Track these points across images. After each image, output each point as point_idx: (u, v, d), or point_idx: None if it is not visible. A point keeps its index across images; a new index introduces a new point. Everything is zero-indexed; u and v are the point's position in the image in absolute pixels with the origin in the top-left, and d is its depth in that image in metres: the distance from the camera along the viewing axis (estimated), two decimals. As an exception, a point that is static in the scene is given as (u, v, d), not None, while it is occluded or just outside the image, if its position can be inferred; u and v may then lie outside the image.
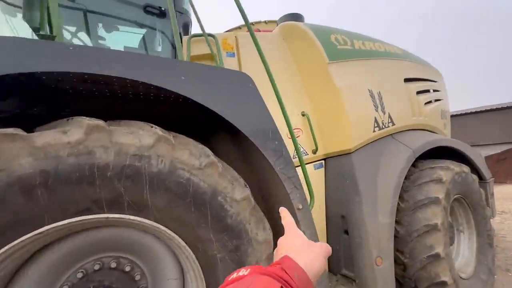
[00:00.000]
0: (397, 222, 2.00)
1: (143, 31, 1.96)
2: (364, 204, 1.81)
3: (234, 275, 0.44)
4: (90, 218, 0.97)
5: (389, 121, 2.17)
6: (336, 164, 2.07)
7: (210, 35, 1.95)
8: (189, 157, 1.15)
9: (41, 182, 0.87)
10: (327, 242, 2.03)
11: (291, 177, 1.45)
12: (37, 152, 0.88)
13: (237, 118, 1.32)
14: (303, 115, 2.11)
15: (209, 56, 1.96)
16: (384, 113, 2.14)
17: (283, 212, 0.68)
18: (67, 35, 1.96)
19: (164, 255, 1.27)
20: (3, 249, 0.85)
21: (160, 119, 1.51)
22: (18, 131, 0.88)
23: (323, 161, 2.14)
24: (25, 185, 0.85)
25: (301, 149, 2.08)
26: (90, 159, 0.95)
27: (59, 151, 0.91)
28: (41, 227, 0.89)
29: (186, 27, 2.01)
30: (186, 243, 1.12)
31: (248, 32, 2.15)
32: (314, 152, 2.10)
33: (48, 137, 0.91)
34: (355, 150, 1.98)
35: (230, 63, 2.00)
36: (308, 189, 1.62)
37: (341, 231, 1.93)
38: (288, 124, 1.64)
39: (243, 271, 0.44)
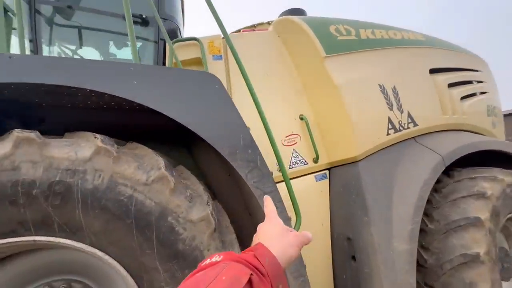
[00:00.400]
0: (424, 248, 1.59)
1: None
2: (374, 225, 1.45)
3: (207, 261, 0.45)
4: (16, 241, 0.87)
5: (409, 121, 1.77)
6: (341, 174, 1.75)
7: (194, 38, 1.84)
8: (134, 171, 1.00)
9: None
10: (333, 269, 1.70)
11: (269, 192, 1.21)
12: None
13: (198, 124, 1.15)
14: (301, 119, 1.84)
15: (197, 61, 1.85)
16: (402, 112, 1.76)
17: (267, 200, 0.73)
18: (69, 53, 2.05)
19: (118, 278, 1.13)
20: None
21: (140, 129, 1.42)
22: None
23: (326, 172, 1.83)
24: None
25: (299, 158, 1.81)
26: (14, 176, 0.86)
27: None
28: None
29: (173, 34, 1.94)
30: (128, 272, 0.95)
31: (239, 34, 2.01)
32: (315, 160, 1.81)
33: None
34: (363, 158, 1.64)
35: (217, 66, 1.86)
36: (293, 206, 1.35)
37: (347, 257, 1.59)
38: (267, 129, 1.41)
39: (216, 258, 0.45)
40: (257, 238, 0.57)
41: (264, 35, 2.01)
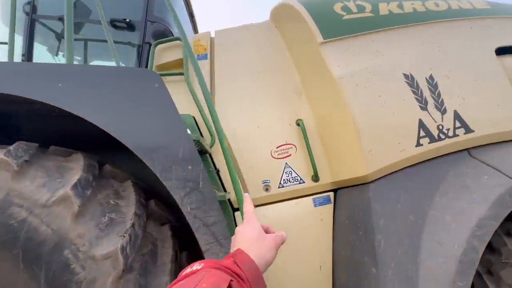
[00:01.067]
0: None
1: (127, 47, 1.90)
2: (387, 282, 0.96)
3: (188, 269, 0.47)
4: None
5: (457, 125, 1.19)
6: (348, 199, 1.28)
7: (176, 39, 1.67)
8: (37, 188, 0.83)
9: None
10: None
11: (211, 224, 0.89)
12: None
13: (125, 132, 0.92)
14: (298, 124, 1.45)
15: (176, 63, 1.67)
16: (444, 112, 1.19)
17: (246, 198, 0.75)
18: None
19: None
20: None
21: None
22: None
23: (330, 194, 1.38)
24: None
25: (293, 174, 1.41)
26: None
27: None
28: None
29: (161, 36, 1.82)
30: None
31: (229, 29, 1.76)
32: (315, 179, 1.38)
33: None
34: (376, 180, 1.15)
35: (201, 66, 1.63)
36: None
37: (351, 322, 1.11)
38: (220, 136, 1.10)
39: (196, 266, 0.46)
40: (236, 242, 0.60)
41: (258, 27, 1.71)
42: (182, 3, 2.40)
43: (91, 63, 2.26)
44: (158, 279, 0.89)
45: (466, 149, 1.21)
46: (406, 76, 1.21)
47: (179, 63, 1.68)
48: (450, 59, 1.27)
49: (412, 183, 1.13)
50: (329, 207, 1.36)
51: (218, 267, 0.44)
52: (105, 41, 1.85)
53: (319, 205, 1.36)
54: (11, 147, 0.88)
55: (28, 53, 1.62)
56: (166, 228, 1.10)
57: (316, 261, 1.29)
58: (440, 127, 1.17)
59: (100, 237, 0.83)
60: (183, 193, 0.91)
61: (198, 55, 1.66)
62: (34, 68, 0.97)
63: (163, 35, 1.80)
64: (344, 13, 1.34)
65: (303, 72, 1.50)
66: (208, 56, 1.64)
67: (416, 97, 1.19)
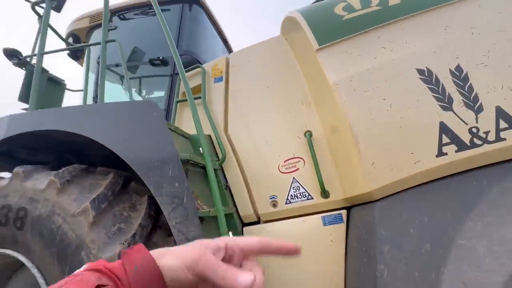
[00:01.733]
0: None
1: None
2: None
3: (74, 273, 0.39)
4: (1, 252, 1.15)
5: (503, 126, 0.89)
6: (357, 219, 1.12)
7: (196, 67, 1.87)
8: (70, 202, 1.09)
9: (-24, 217, 1.17)
10: None
11: (191, 238, 0.96)
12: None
13: (128, 153, 1.10)
14: (306, 136, 1.39)
15: (199, 88, 1.86)
16: (479, 111, 0.92)
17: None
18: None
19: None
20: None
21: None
22: None
23: (342, 212, 1.23)
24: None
25: (301, 190, 1.34)
26: (4, 201, 1.16)
27: (-8, 193, 1.19)
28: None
29: (190, 65, 2.07)
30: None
31: (243, 49, 1.84)
32: (324, 195, 1.27)
33: (-5, 182, 1.23)
34: (386, 197, 0.98)
35: (218, 89, 1.78)
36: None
37: None
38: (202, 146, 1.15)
39: (83, 266, 0.38)
40: None
41: (270, 42, 1.73)
42: (215, 31, 2.67)
43: (152, 95, 2.76)
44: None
45: (520, 158, 0.89)
46: (420, 71, 1.01)
47: (200, 88, 1.87)
48: (490, 41, 0.98)
49: (432, 203, 0.91)
50: (341, 226, 1.21)
51: (98, 269, 0.38)
52: (151, 76, 2.25)
53: (329, 224, 1.23)
54: (60, 170, 1.18)
55: (99, 96, 2.14)
56: (172, 240, 1.22)
57: (326, 286, 1.16)
58: (474, 130, 0.91)
59: (107, 244, 1.00)
60: (170, 208, 1.01)
61: (215, 78, 1.81)
62: (71, 110, 1.29)
63: (192, 64, 2.05)
64: (345, 13, 1.24)
65: (309, 80, 1.43)
66: (224, 78, 1.76)
67: (435, 95, 0.97)
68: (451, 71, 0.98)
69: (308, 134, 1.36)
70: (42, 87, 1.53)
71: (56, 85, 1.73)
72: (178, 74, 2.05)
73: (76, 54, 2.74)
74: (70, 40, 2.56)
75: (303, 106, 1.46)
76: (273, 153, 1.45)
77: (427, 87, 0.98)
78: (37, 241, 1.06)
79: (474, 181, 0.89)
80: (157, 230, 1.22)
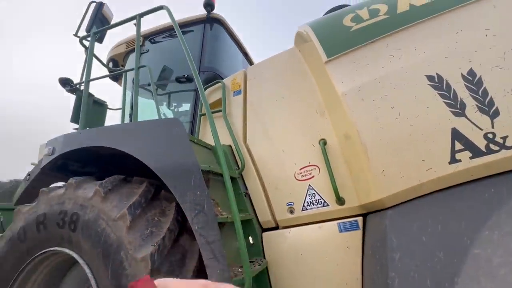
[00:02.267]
0: None
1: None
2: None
3: None
4: (59, 250, 1.37)
5: (522, 130, 0.85)
6: (372, 226, 1.13)
7: (218, 81, 2.01)
8: (111, 208, 1.27)
9: (42, 221, 1.42)
10: None
11: (211, 242, 1.06)
12: (47, 201, 1.46)
13: (158, 165, 1.26)
14: (321, 144, 1.43)
15: (220, 101, 2.00)
16: (495, 115, 0.89)
17: None
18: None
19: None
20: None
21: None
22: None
23: (358, 219, 1.24)
24: (38, 221, 1.43)
25: (317, 197, 1.38)
26: (61, 207, 1.39)
27: (53, 201, 1.43)
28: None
29: (212, 79, 2.23)
30: (98, 290, 1.19)
31: (259, 63, 1.94)
32: (340, 202, 1.30)
33: (55, 191, 1.48)
34: (397, 205, 0.99)
35: (237, 101, 1.90)
36: (244, 266, 1.05)
37: None
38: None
39: None
40: None
41: (284, 54, 1.81)
42: (235, 46, 2.82)
43: (181, 108, 3.00)
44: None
45: (549, 163, 0.84)
46: (430, 78, 1.00)
47: (220, 102, 2.01)
48: (505, 42, 0.95)
49: (446, 211, 0.90)
50: (357, 233, 1.22)
51: None
52: (177, 91, 2.47)
53: (345, 231, 1.25)
54: (103, 181, 1.39)
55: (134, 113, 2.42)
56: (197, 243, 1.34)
57: (342, 292, 1.18)
58: (490, 135, 0.89)
59: (141, 245, 1.15)
60: (193, 214, 1.13)
61: (234, 92, 1.94)
62: (111, 129, 1.50)
63: (214, 79, 2.21)
64: (353, 24, 1.27)
65: (322, 91, 1.47)
66: (242, 91, 1.88)
67: (447, 101, 0.96)
68: (463, 75, 0.96)
69: (322, 142, 1.40)
70: (89, 109, 1.79)
71: (99, 106, 2.00)
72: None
73: (116, 77, 3.11)
74: (111, 64, 2.91)
75: (317, 115, 1.51)
76: (289, 161, 1.51)
77: (438, 93, 0.98)
78: (87, 241, 1.25)
79: (492, 189, 0.86)
80: (183, 234, 1.35)
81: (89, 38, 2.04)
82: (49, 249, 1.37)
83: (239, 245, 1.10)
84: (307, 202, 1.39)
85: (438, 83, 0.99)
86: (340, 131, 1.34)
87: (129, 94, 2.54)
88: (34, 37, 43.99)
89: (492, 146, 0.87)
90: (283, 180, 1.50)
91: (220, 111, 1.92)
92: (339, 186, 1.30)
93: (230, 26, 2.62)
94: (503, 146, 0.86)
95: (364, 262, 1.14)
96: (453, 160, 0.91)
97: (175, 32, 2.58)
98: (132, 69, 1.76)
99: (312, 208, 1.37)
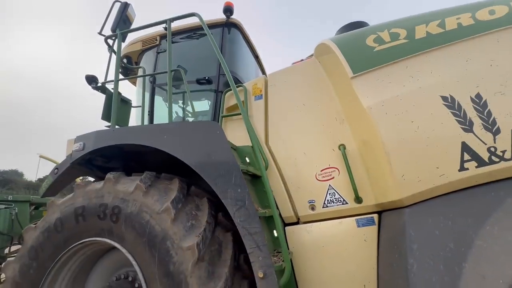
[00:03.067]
0: None
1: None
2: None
3: None
4: (99, 240, 1.47)
5: (518, 146, 1.06)
6: (390, 222, 1.32)
7: (240, 86, 2.14)
8: (154, 202, 1.39)
9: (80, 213, 1.50)
10: None
11: (253, 233, 1.21)
12: (85, 194, 1.55)
13: (199, 164, 1.38)
14: (340, 149, 1.60)
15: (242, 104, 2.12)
16: (497, 133, 1.09)
17: None
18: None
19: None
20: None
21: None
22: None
23: (374, 216, 1.43)
24: (77, 213, 1.52)
25: (336, 196, 1.55)
26: (101, 200, 1.48)
27: (91, 194, 1.52)
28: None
29: (226, 84, 2.35)
30: (143, 277, 1.31)
31: (280, 70, 2.09)
32: (358, 200, 1.48)
33: (92, 185, 1.57)
34: (414, 204, 1.18)
35: (258, 105, 2.04)
36: (283, 252, 1.21)
37: None
38: (260, 163, 1.39)
39: None
40: None
41: (305, 64, 1.97)
42: (247, 48, 2.95)
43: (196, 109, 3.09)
44: (220, 269, 1.26)
45: (538, 173, 1.05)
46: (444, 98, 1.20)
47: (237, 106, 2.13)
48: (507, 72, 1.15)
49: (455, 210, 1.09)
50: (373, 228, 1.41)
51: None
52: (195, 91, 2.58)
53: (363, 226, 1.43)
54: (142, 177, 1.50)
55: (151, 110, 2.49)
56: (229, 234, 1.49)
57: (360, 279, 1.36)
58: (492, 149, 1.09)
59: (186, 236, 1.28)
60: (235, 209, 1.27)
61: (255, 96, 2.07)
62: (150, 128, 1.60)
63: (228, 84, 2.33)
64: (376, 45, 1.44)
65: (343, 101, 1.64)
66: (263, 96, 2.02)
67: (458, 119, 1.15)
68: (471, 98, 1.16)
69: (342, 147, 1.57)
70: (119, 108, 1.88)
71: (125, 104, 2.08)
72: (221, 91, 2.35)
73: (126, 72, 3.15)
74: (124, 61, 2.96)
75: (336, 122, 1.68)
76: (310, 163, 1.68)
77: (450, 112, 1.17)
78: (131, 232, 1.36)
79: (493, 192, 1.06)
80: (216, 227, 1.49)
81: (113, 37, 2.11)
82: (89, 239, 1.46)
83: (279, 236, 1.25)
84: (328, 200, 1.57)
85: (451, 103, 1.18)
86: (360, 138, 1.52)
87: (147, 94, 2.61)
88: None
89: (493, 158, 1.07)
90: (304, 180, 1.66)
91: (239, 114, 2.05)
92: (357, 187, 1.48)
93: (246, 31, 2.74)
94: (502, 158, 1.07)
95: (380, 253, 1.32)
96: (462, 168, 1.11)
97: (192, 34, 2.68)
98: (165, 72, 1.85)
99: (333, 206, 1.54)
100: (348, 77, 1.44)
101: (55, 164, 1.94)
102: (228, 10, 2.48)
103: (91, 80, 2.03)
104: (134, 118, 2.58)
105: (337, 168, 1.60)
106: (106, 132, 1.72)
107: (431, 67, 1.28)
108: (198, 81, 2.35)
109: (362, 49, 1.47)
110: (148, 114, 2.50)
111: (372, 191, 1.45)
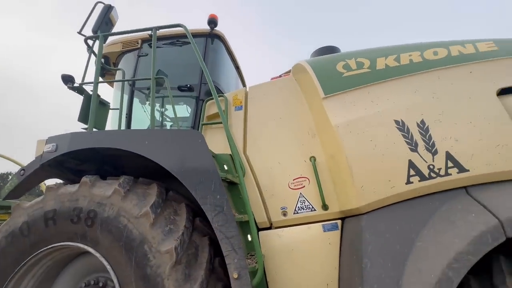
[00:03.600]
0: None
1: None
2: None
3: None
4: (71, 245, 1.44)
5: (450, 165, 1.30)
6: (349, 227, 1.50)
7: (221, 96, 2.24)
8: (132, 206, 1.41)
9: (51, 216, 1.47)
10: None
11: (230, 237, 1.30)
12: (56, 197, 1.51)
13: (181, 171, 1.45)
14: (311, 160, 1.77)
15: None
16: (435, 153, 1.33)
17: None
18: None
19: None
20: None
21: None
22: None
23: (338, 222, 1.61)
24: (46, 216, 1.47)
25: (306, 203, 1.71)
26: (76, 204, 1.46)
27: (64, 197, 1.49)
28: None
29: (208, 93, 2.44)
30: (118, 281, 1.32)
31: (260, 84, 2.24)
32: (325, 207, 1.65)
33: (64, 188, 1.54)
34: (369, 212, 1.37)
35: (237, 116, 2.15)
36: (257, 255, 1.33)
37: (347, 335, 1.31)
38: (239, 171, 1.50)
39: None
40: None
41: (283, 80, 2.14)
42: (229, 58, 3.07)
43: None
44: (196, 272, 1.33)
45: (464, 187, 1.30)
46: (396, 122, 1.42)
47: (217, 115, 2.23)
48: (444, 104, 1.41)
49: (402, 216, 1.30)
50: (337, 233, 1.58)
51: None
52: (177, 96, 2.61)
53: (328, 231, 1.60)
54: (120, 181, 1.51)
55: (129, 113, 2.48)
56: (206, 239, 1.56)
57: (324, 279, 1.52)
58: (431, 166, 1.32)
59: (164, 240, 1.33)
60: (214, 214, 1.35)
61: (236, 107, 2.19)
62: (131, 133, 1.63)
63: (208, 93, 2.43)
64: (345, 71, 1.65)
65: (315, 117, 1.83)
66: (243, 107, 2.14)
67: (406, 140, 1.38)
68: (417, 123, 1.40)
69: (313, 159, 1.74)
70: (97, 110, 1.86)
71: (103, 107, 2.06)
72: (202, 100, 2.43)
73: (103, 72, 3.07)
74: (102, 60, 2.89)
75: (309, 136, 1.85)
76: (284, 172, 1.82)
77: (401, 134, 1.39)
78: (106, 236, 1.37)
79: (430, 202, 1.29)
80: (193, 232, 1.55)
81: (94, 39, 2.09)
82: (59, 243, 1.43)
83: (253, 240, 1.36)
84: (298, 207, 1.72)
85: (401, 126, 1.41)
86: (328, 152, 1.70)
87: (125, 94, 2.58)
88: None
89: (432, 174, 1.31)
90: (278, 188, 1.80)
91: (219, 122, 2.15)
92: (325, 195, 1.65)
93: (228, 42, 2.86)
94: (438, 175, 1.30)
95: (342, 254, 1.49)
96: (408, 182, 1.32)
97: (176, 41, 2.73)
98: (149, 78, 1.89)
99: (302, 212, 1.69)
100: (320, 97, 1.62)
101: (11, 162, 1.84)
102: (212, 22, 2.59)
103: (67, 80, 1.99)
104: (110, 121, 2.53)
105: (307, 178, 1.76)
106: (84, 134, 1.70)
107: (388, 94, 1.51)
108: (180, 88, 2.40)
109: (333, 74, 1.67)
110: (126, 117, 2.47)
111: (337, 199, 1.63)
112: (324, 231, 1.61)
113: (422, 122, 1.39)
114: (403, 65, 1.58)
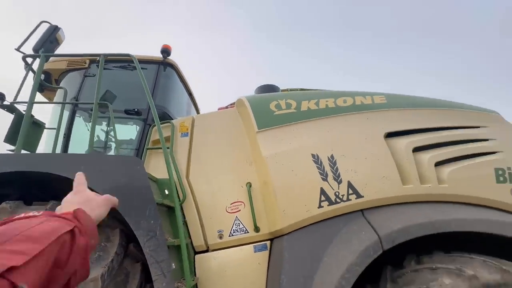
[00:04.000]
0: None
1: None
2: (283, 312, 1.33)
3: (22, 214, 0.47)
4: None
5: (350, 192, 1.63)
6: (275, 247, 1.69)
7: (168, 122, 2.35)
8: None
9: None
10: None
11: (160, 261, 1.36)
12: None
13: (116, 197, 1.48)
14: (247, 186, 1.95)
15: (168, 139, 2.31)
16: (340, 183, 1.65)
17: (78, 175, 0.73)
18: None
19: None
20: None
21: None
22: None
23: (267, 242, 1.79)
24: None
25: (241, 226, 1.86)
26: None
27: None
28: None
29: (161, 118, 2.52)
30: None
31: (207, 114, 2.42)
32: (256, 229, 1.82)
33: None
34: (289, 233, 1.58)
35: (183, 142, 2.27)
36: (186, 279, 1.42)
37: None
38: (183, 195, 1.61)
39: (34, 213, 0.47)
40: (63, 209, 0.60)
41: (227, 111, 2.36)
42: (183, 88, 3.22)
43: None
44: (124, 299, 1.34)
45: (360, 210, 1.63)
46: (313, 155, 1.72)
47: (168, 139, 2.32)
48: (348, 142, 1.78)
49: (314, 236, 1.54)
50: (265, 253, 1.76)
51: (60, 216, 0.48)
52: (122, 117, 2.61)
53: (258, 251, 1.77)
54: (48, 206, 1.47)
55: (68, 133, 2.38)
56: (139, 265, 1.57)
57: (252, 298, 1.65)
58: (337, 193, 1.63)
59: (91, 267, 1.31)
60: (146, 239, 1.41)
61: (182, 133, 2.31)
62: (67, 157, 1.62)
63: (162, 117, 2.51)
64: (276, 110, 1.95)
65: (251, 147, 2.06)
66: (189, 134, 2.28)
67: (319, 171, 1.68)
68: (328, 157, 1.72)
69: (248, 185, 1.94)
70: (29, 131, 1.78)
71: (37, 127, 1.97)
72: (150, 125, 2.49)
73: (41, 88, 2.91)
74: (42, 76, 2.75)
75: (246, 164, 2.06)
76: (223, 197, 1.97)
77: (316, 165, 1.69)
78: (23, 268, 1.30)
79: (336, 224, 1.57)
80: (125, 257, 1.56)
81: (34, 57, 2.04)
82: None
83: (183, 263, 1.44)
84: (234, 229, 1.86)
85: (316, 159, 1.71)
86: (261, 179, 1.92)
87: (65, 114, 2.48)
88: None
89: (337, 199, 1.61)
90: (216, 212, 1.93)
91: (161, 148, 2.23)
92: (257, 218, 1.84)
93: (181, 71, 3.02)
94: (342, 200, 1.61)
95: (268, 272, 1.67)
96: (320, 206, 1.60)
97: (128, 64, 2.79)
98: (92, 103, 1.91)
99: (237, 234, 1.84)
100: (254, 130, 1.87)
101: None
102: (165, 51, 2.74)
103: (-2, 97, 1.88)
104: (45, 140, 2.39)
105: (243, 202, 1.94)
106: (9, 156, 1.61)
107: (307, 132, 1.83)
108: (127, 112, 2.43)
109: (266, 111, 1.95)
110: (64, 137, 2.37)
111: (267, 222, 1.82)
112: (255, 251, 1.77)
113: (332, 156, 1.72)
114: (321, 108, 1.94)
